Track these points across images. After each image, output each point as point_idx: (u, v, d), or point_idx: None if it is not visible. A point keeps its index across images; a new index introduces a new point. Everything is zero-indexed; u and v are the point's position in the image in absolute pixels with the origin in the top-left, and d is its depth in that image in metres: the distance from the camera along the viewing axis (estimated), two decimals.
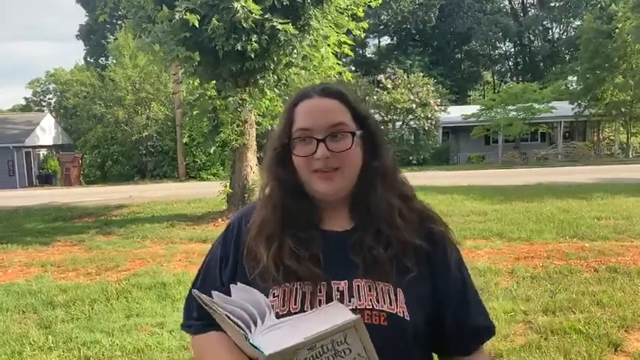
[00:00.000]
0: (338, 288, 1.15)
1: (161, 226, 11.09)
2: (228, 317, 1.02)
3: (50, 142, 33.15)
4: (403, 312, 1.13)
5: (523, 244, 7.69)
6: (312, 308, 1.12)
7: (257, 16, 9.60)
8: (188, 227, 10.95)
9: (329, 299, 1.13)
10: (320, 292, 1.15)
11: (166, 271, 7.11)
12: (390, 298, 1.14)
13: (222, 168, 28.13)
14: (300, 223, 1.22)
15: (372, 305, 1.12)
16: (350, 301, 1.13)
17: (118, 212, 13.99)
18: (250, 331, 1.00)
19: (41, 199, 18.31)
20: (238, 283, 1.13)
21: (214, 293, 1.09)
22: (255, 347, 0.97)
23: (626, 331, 4.23)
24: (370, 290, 1.14)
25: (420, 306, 1.16)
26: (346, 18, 11.70)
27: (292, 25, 9.91)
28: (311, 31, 10.66)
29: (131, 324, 4.97)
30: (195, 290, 1.12)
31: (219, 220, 11.44)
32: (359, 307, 1.12)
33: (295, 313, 1.11)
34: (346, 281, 1.15)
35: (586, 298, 4.99)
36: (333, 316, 0.97)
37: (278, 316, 1.10)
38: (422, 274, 1.18)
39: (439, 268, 1.22)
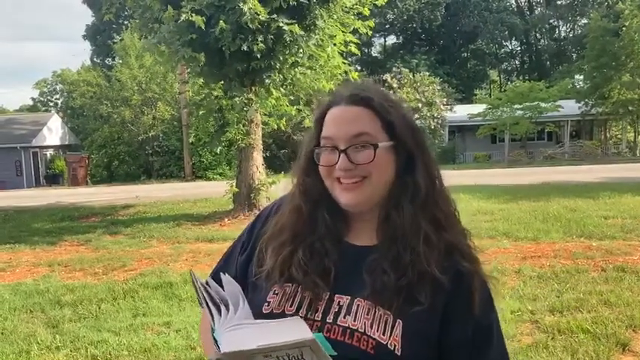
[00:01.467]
0: (339, 302, 1.11)
1: (167, 226, 11.12)
2: (207, 304, 1.05)
3: (57, 143, 33.30)
4: (395, 345, 1.05)
5: (530, 244, 7.66)
6: (306, 314, 1.10)
7: (263, 18, 9.61)
8: (194, 227, 10.97)
9: (326, 311, 1.10)
10: (320, 302, 1.11)
11: (173, 270, 7.12)
12: (385, 327, 1.07)
13: (228, 168, 28.17)
14: (319, 233, 1.17)
15: (365, 329, 1.07)
16: (344, 318, 1.09)
17: (125, 212, 14.04)
18: (220, 320, 1.03)
19: (48, 199, 18.39)
20: (227, 275, 1.13)
21: (209, 280, 1.10)
22: (215, 341, 1.01)
23: (633, 330, 4.21)
24: (368, 314, 1.08)
25: (421, 344, 1.08)
26: (352, 17, 11.69)
27: (298, 24, 9.91)
28: (317, 31, 10.66)
29: (138, 323, 4.99)
30: (192, 270, 1.12)
31: (226, 219, 11.46)
32: (351, 327, 1.08)
33: (288, 315, 1.10)
34: (349, 297, 1.11)
35: (593, 298, 4.97)
36: (292, 330, 0.98)
37: (272, 314, 1.11)
38: (433, 310, 1.09)
39: (459, 311, 1.11)
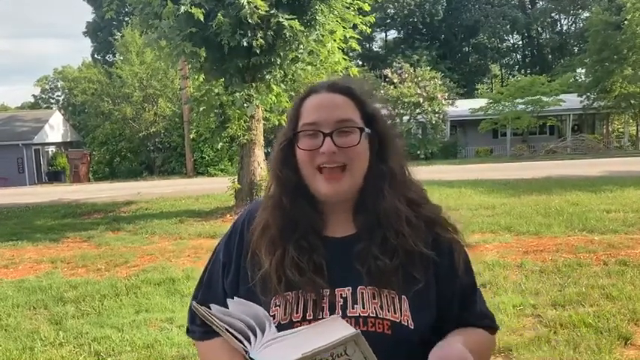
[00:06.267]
0: (341, 295, 1.13)
1: (170, 222, 11.13)
2: (228, 330, 1.02)
3: (59, 139, 33.32)
4: (407, 320, 1.11)
5: (532, 238, 7.66)
6: (314, 317, 1.10)
7: (263, 12, 9.60)
8: (196, 223, 10.98)
9: (332, 307, 1.11)
10: (323, 300, 1.12)
11: (175, 266, 7.14)
12: (394, 306, 1.12)
13: (230, 164, 28.18)
14: (302, 230, 1.18)
15: (376, 313, 1.11)
16: (353, 308, 1.11)
17: (127, 208, 14.06)
18: (250, 344, 1.00)
19: (50, 196, 18.41)
20: (235, 298, 1.11)
21: (212, 306, 1.08)
22: None
23: (635, 324, 4.20)
24: (375, 298, 1.12)
25: (426, 313, 1.15)
26: (352, 12, 11.66)
27: (298, 20, 9.89)
28: (317, 26, 10.63)
29: (140, 319, 5.00)
30: (194, 302, 1.10)
31: (228, 215, 11.48)
32: (362, 315, 1.10)
33: (297, 322, 1.10)
34: (350, 288, 1.13)
35: (595, 292, 4.97)
36: (332, 330, 0.97)
37: (280, 326, 1.08)
38: (428, 282, 1.17)
39: (446, 276, 1.20)
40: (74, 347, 4.43)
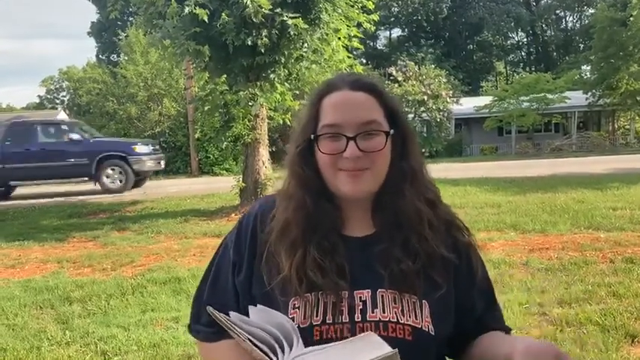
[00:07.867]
0: (360, 297, 1.09)
1: (175, 222, 11.15)
2: (251, 341, 0.98)
3: None
4: (428, 326, 1.08)
5: (537, 236, 7.63)
6: (334, 320, 1.07)
7: (267, 11, 9.60)
8: (202, 222, 10.99)
9: (351, 310, 1.08)
10: (342, 302, 1.08)
11: (181, 265, 7.15)
12: (415, 311, 1.09)
13: (234, 163, 28.20)
14: (323, 229, 1.14)
15: (397, 318, 1.07)
16: (373, 312, 1.08)
17: (132, 208, 14.08)
18: (276, 356, 0.95)
19: (56, 196, 18.46)
20: (258, 305, 1.07)
21: (232, 313, 1.03)
22: None
23: None
24: (395, 302, 1.09)
25: (446, 319, 1.13)
26: (356, 11, 11.65)
27: (302, 18, 9.89)
28: (321, 25, 10.62)
29: (147, 319, 5.02)
30: (209, 308, 1.06)
31: (233, 214, 11.48)
32: (382, 320, 1.07)
33: (317, 326, 1.07)
34: (369, 290, 1.10)
35: (602, 290, 4.95)
36: (368, 348, 0.93)
37: (299, 329, 1.04)
38: (448, 288, 1.14)
39: (465, 280, 1.18)
40: (81, 347, 4.45)
